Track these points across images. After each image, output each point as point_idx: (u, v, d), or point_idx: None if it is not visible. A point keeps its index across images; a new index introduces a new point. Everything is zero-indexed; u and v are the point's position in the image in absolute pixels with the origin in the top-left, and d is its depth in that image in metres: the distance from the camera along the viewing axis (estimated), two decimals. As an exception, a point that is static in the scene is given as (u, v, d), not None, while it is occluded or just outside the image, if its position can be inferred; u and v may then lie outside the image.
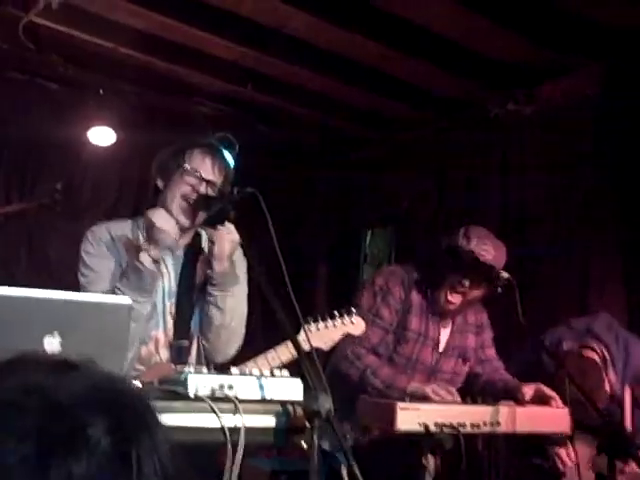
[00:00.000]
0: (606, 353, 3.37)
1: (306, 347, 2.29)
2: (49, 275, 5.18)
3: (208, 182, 2.76)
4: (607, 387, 3.33)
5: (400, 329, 3.14)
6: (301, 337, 2.37)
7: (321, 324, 2.68)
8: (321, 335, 2.66)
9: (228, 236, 2.67)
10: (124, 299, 2.19)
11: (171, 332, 2.77)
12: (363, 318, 2.83)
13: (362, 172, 6.32)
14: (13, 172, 5.40)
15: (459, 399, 2.88)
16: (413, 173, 5.96)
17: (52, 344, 2.16)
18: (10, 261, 5.36)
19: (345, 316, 2.74)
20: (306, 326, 2.56)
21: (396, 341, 3.23)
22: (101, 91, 5.09)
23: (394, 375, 3.09)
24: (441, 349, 3.33)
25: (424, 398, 2.84)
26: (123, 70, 5.07)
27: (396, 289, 3.26)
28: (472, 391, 3.38)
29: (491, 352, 3.48)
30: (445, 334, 3.36)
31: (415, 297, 3.27)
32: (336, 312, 2.74)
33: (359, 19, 4.41)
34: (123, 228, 2.84)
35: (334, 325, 2.70)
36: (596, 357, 3.34)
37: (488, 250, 3.13)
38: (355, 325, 2.76)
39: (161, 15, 4.40)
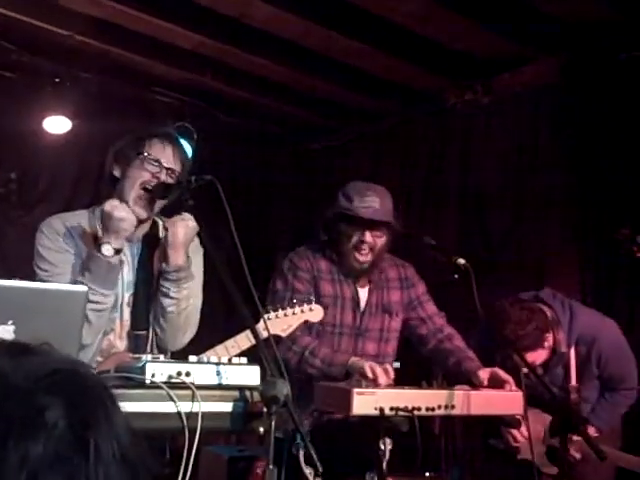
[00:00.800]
0: (553, 314, 3.50)
1: (264, 334, 2.32)
2: (4, 266, 5.10)
3: (168, 170, 2.75)
4: (548, 343, 3.47)
5: (315, 297, 3.14)
6: (260, 325, 2.42)
7: (280, 312, 2.74)
8: (280, 322, 2.72)
9: (182, 222, 2.67)
10: (79, 287, 2.19)
11: (128, 323, 2.76)
12: (278, 297, 2.90)
13: (321, 161, 6.35)
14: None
15: (392, 376, 2.89)
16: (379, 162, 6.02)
17: (6, 332, 2.15)
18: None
19: (304, 304, 2.80)
20: (265, 314, 2.61)
21: None
22: (57, 79, 5.01)
23: (332, 353, 3.08)
24: (362, 308, 3.31)
25: (360, 374, 2.86)
26: (79, 58, 5.01)
27: (302, 262, 3.27)
28: (421, 355, 3.40)
29: (431, 307, 3.44)
30: (364, 293, 3.34)
31: (323, 264, 3.28)
32: (294, 300, 2.81)
33: (320, 10, 4.42)
34: (79, 219, 2.81)
35: (293, 312, 2.77)
36: (542, 313, 3.46)
37: (373, 200, 3.16)
38: (314, 312, 2.83)
39: (118, 3, 4.37)
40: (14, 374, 0.71)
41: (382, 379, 2.79)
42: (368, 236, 3.19)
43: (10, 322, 2.12)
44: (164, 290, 2.73)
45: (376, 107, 5.83)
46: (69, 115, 5.13)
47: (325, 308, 2.95)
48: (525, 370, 2.83)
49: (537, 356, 3.46)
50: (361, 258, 3.22)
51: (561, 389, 3.49)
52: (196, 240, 2.81)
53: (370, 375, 2.82)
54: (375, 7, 4.41)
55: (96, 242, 2.68)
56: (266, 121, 6.13)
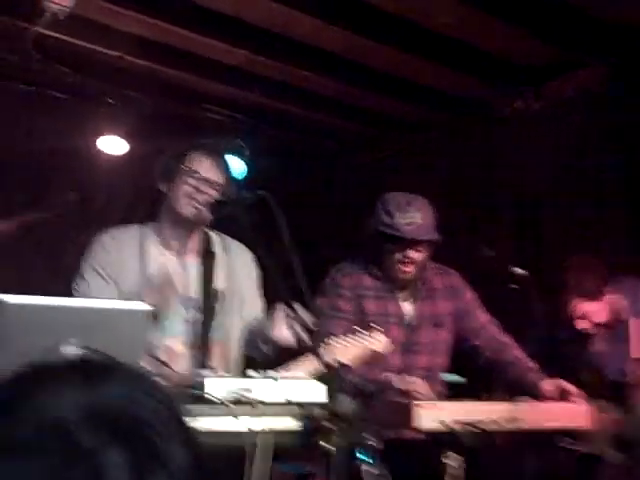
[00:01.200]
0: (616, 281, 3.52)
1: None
2: (64, 284, 5.18)
3: (208, 181, 2.78)
4: (609, 301, 3.48)
5: (359, 316, 3.10)
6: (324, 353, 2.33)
7: (343, 340, 2.69)
8: (344, 351, 2.65)
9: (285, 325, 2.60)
10: (142, 305, 2.20)
11: (190, 339, 2.77)
12: (323, 316, 2.85)
13: (378, 173, 6.31)
14: (27, 183, 5.44)
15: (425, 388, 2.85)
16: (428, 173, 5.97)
17: (70, 352, 2.17)
18: (26, 270, 5.39)
19: (367, 332, 2.75)
20: (330, 342, 2.58)
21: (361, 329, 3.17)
22: (110, 100, 5.10)
23: (366, 368, 2.96)
24: (407, 322, 3.24)
25: (403, 391, 2.82)
26: (130, 78, 5.09)
27: (345, 279, 3.22)
28: (476, 367, 3.31)
29: (482, 316, 3.34)
30: (409, 307, 3.27)
31: (366, 280, 3.22)
32: (357, 328, 2.76)
33: (366, 22, 4.41)
34: (129, 233, 2.87)
35: (358, 342, 2.71)
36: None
37: (414, 216, 3.10)
38: (377, 341, 2.76)
39: (165, 22, 4.42)
40: (79, 428, 0.69)
41: (419, 388, 2.76)
42: (411, 253, 3.13)
43: (74, 341, 2.15)
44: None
45: (424, 117, 5.79)
46: (123, 135, 5.21)
47: (370, 327, 2.89)
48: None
49: (596, 309, 3.37)
50: (405, 271, 3.17)
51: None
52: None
53: (401, 386, 2.79)
54: (421, 17, 4.39)
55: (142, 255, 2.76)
56: (316, 135, 6.13)
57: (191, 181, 2.78)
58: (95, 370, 0.79)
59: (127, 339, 2.15)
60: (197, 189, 2.77)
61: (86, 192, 5.48)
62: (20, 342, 2.10)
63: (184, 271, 2.84)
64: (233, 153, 5.49)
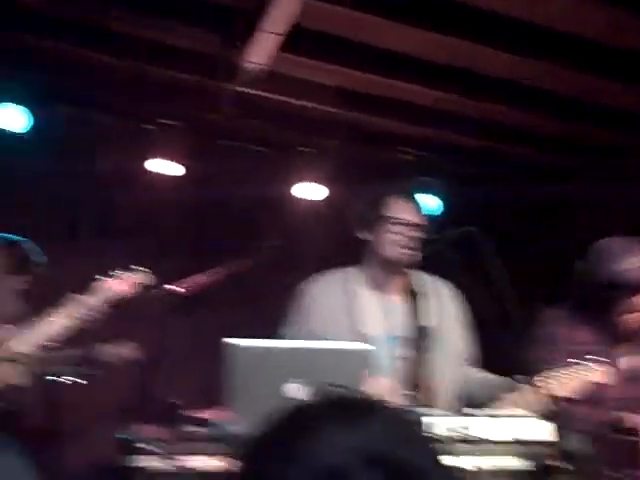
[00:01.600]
0: None
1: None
2: (269, 330, 5.41)
3: (410, 224, 2.81)
4: None
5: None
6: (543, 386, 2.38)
7: (563, 372, 2.59)
8: (564, 384, 2.55)
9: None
10: (363, 345, 2.28)
11: (400, 376, 2.80)
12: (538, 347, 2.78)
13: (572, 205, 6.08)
14: (234, 232, 5.79)
15: None
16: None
17: (295, 391, 2.27)
18: (235, 314, 5.70)
19: (581, 364, 2.62)
20: (549, 374, 2.53)
21: None
22: (308, 149, 5.33)
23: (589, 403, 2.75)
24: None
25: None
26: (325, 127, 5.30)
27: (560, 331, 2.99)
28: None
29: None
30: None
31: (583, 335, 2.97)
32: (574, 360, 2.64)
33: (551, 48, 4.33)
34: (334, 280, 2.98)
35: (576, 372, 2.60)
36: None
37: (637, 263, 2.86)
38: (594, 372, 2.62)
39: (357, 70, 4.58)
40: (356, 473, 0.69)
41: None
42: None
43: (298, 381, 2.25)
44: None
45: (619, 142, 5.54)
46: (322, 182, 5.42)
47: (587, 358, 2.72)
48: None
49: None
50: (633, 318, 2.97)
51: None
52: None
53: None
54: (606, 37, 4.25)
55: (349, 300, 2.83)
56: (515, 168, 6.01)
57: (395, 228, 2.83)
58: (359, 409, 0.78)
59: (348, 379, 2.22)
60: (402, 234, 2.82)
61: (289, 238, 5.73)
62: (250, 383, 2.24)
63: (390, 309, 2.89)
64: (428, 192, 5.55)
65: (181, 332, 5.51)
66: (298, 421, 0.77)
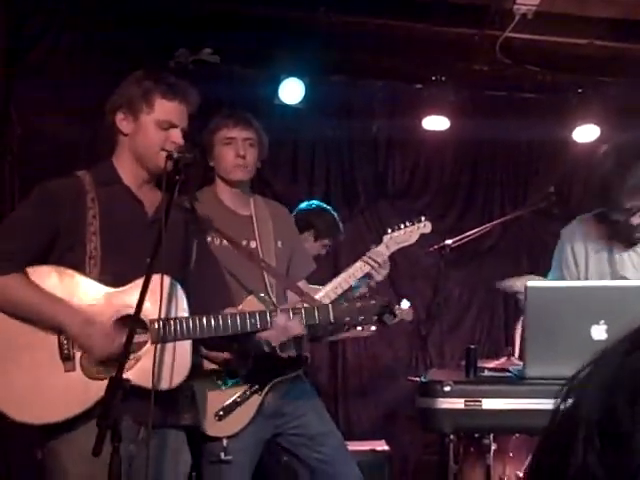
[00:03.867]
0: None
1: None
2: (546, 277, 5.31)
3: None
4: None
5: None
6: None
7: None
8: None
9: None
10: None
11: None
12: None
13: None
14: (507, 182, 5.74)
15: None
16: None
17: (599, 332, 2.22)
18: (513, 265, 5.66)
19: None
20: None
21: None
22: (580, 90, 5.09)
23: None
24: None
25: None
26: (599, 64, 5.01)
27: None
28: None
29: None
30: None
31: None
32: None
33: None
34: (596, 225, 2.89)
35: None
36: None
37: None
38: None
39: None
40: None
41: None
42: None
43: (602, 322, 2.19)
44: None
45: None
46: (598, 122, 5.15)
47: None
48: None
49: None
50: None
51: None
52: None
53: None
54: None
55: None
56: None
57: None
58: None
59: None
60: None
61: (564, 184, 5.55)
62: (551, 325, 2.22)
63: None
64: None
65: (457, 285, 5.63)
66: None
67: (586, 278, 2.80)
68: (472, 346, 2.50)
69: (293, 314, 2.60)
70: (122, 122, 2.52)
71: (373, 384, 5.51)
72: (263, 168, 4.40)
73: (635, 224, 2.65)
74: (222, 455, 2.81)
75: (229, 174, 3.12)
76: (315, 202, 4.20)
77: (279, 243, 3.18)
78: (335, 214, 4.14)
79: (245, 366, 2.84)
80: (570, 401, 0.71)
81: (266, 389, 2.97)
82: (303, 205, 4.12)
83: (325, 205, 4.18)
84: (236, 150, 3.09)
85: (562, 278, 2.84)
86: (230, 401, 2.91)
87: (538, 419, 2.19)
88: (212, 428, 2.86)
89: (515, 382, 2.35)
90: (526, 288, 2.21)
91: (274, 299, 3.04)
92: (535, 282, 2.22)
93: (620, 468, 0.63)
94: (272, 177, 5.32)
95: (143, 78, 2.53)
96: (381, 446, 4.59)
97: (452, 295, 5.57)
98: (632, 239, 2.73)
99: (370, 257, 3.18)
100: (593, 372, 0.72)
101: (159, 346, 2.38)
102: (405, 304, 4.17)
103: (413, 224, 3.28)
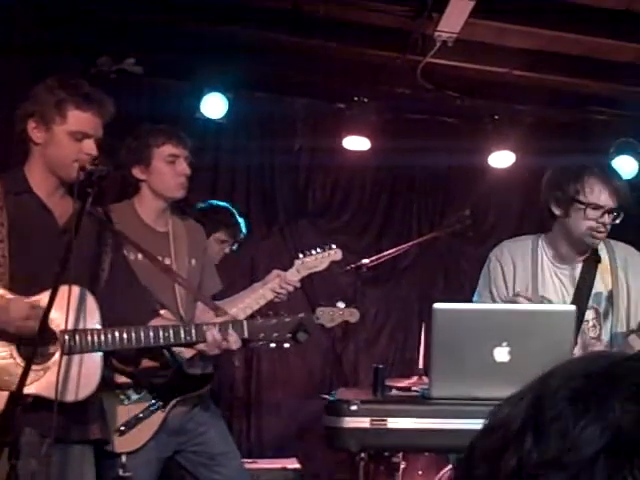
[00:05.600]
0: None
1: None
2: (463, 298, 5.41)
3: (608, 211, 2.74)
4: None
5: None
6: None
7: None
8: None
9: None
10: (568, 307, 2.24)
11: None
12: None
13: None
14: (426, 204, 5.84)
15: None
16: None
17: (501, 354, 2.28)
18: (429, 285, 5.76)
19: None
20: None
21: None
22: (496, 117, 5.24)
23: None
24: None
25: None
26: (516, 92, 5.17)
27: None
28: None
29: None
30: None
31: None
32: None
33: None
34: (523, 247, 2.95)
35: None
36: None
37: None
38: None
39: (549, 30, 4.43)
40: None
41: None
42: None
43: (505, 344, 2.25)
44: None
45: None
46: (512, 149, 5.29)
47: None
48: None
49: None
50: None
51: None
52: None
53: None
54: None
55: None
56: None
57: (589, 213, 2.74)
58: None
59: (555, 340, 2.19)
60: (596, 220, 2.75)
61: (479, 208, 5.68)
62: (456, 346, 2.27)
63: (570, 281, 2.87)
64: (624, 153, 5.26)
65: (373, 304, 5.69)
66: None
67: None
68: (380, 366, 2.53)
69: (232, 328, 2.63)
70: (34, 131, 2.47)
71: (287, 401, 5.51)
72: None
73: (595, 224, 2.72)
74: (121, 472, 2.77)
75: (171, 192, 3.11)
76: (213, 201, 4.19)
77: (192, 261, 3.18)
78: (231, 210, 4.12)
79: (158, 379, 2.82)
80: (503, 411, 0.72)
81: (170, 406, 2.94)
82: (200, 204, 4.12)
83: (223, 203, 4.17)
84: (181, 168, 3.10)
85: (491, 297, 2.90)
86: (133, 416, 2.87)
87: (442, 438, 2.24)
88: (113, 443, 2.82)
89: (420, 402, 2.39)
90: (433, 309, 2.26)
91: (183, 314, 3.04)
92: (441, 304, 2.26)
93: (553, 464, 0.65)
94: (191, 192, 5.26)
95: (56, 87, 2.48)
96: (292, 464, 4.58)
97: (368, 314, 5.62)
98: (591, 239, 2.77)
99: (282, 281, 3.22)
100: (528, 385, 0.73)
101: (68, 358, 2.34)
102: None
103: (324, 250, 3.34)
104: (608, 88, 5.17)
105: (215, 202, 4.18)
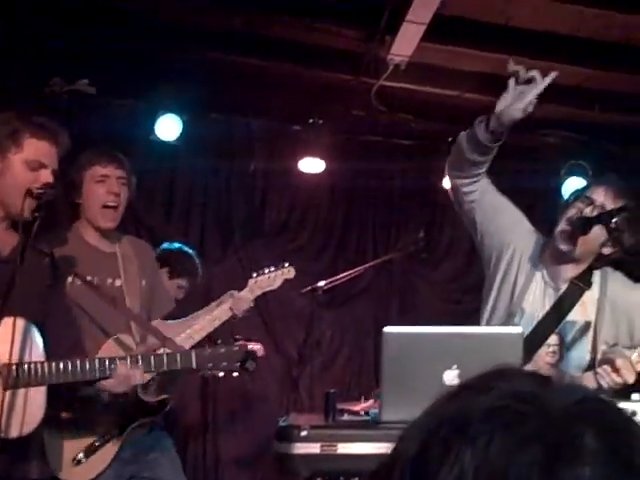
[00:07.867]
0: None
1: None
2: (415, 319, 5.43)
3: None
4: None
5: None
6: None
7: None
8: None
9: None
10: (516, 329, 2.25)
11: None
12: None
13: None
14: (383, 226, 5.85)
15: None
16: None
17: (451, 377, 2.28)
18: (384, 307, 5.79)
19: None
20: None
21: None
22: (450, 139, 5.27)
23: None
24: None
25: None
26: (467, 115, 5.22)
27: None
28: None
29: None
30: None
31: None
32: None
33: None
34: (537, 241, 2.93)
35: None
36: None
37: None
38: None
39: (500, 53, 4.48)
40: (549, 401, 0.72)
41: None
42: None
43: (455, 366, 2.26)
44: None
45: None
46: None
47: None
48: None
49: None
50: None
51: None
52: None
53: None
54: None
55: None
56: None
57: (580, 205, 2.77)
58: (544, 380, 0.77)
59: (503, 362, 2.20)
60: (581, 212, 2.76)
61: (433, 229, 5.72)
62: (405, 368, 2.26)
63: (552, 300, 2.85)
64: (576, 174, 5.36)
65: (329, 326, 5.68)
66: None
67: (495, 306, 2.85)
68: (332, 390, 2.52)
69: (134, 362, 2.58)
70: None
71: (244, 424, 5.45)
72: (138, 205, 4.34)
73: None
74: None
75: (97, 221, 3.04)
76: (178, 244, 4.18)
77: (143, 282, 3.14)
78: (196, 259, 4.15)
79: (92, 413, 2.79)
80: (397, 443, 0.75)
81: (124, 434, 2.90)
82: (166, 245, 4.11)
83: (188, 249, 4.16)
84: (109, 187, 3.02)
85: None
86: (88, 446, 2.82)
87: (393, 463, 2.22)
88: (69, 474, 2.76)
89: (370, 426, 2.37)
90: (382, 333, 2.26)
91: (137, 339, 2.99)
92: (391, 328, 2.26)
93: None
94: (146, 214, 5.22)
95: (12, 118, 2.46)
96: (248, 488, 4.54)
97: (324, 337, 5.60)
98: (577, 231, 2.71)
99: (235, 302, 3.19)
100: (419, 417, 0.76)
101: (11, 392, 2.28)
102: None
103: (278, 269, 3.34)
104: (558, 111, 5.26)
105: (183, 248, 4.16)
